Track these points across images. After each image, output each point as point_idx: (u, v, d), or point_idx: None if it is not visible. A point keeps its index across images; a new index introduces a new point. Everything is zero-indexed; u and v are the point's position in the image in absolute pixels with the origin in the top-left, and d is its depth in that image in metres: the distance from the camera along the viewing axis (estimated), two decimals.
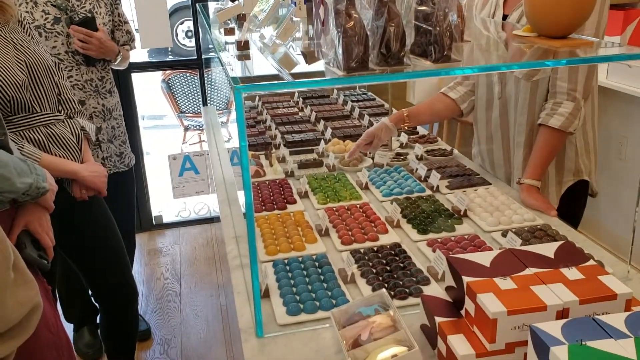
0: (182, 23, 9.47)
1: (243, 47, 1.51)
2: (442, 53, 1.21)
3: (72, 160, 1.86)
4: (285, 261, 1.50)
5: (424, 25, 1.22)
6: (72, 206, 1.92)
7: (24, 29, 1.85)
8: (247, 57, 1.45)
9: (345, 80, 1.26)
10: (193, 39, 9.55)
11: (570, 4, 1.30)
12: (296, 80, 1.14)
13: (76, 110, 1.96)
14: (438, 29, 1.20)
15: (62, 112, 1.90)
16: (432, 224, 1.65)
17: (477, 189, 1.89)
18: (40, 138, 1.79)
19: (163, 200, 4.13)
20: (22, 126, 1.76)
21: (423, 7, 1.23)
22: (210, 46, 3.83)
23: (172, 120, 5.61)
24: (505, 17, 1.87)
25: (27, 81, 1.74)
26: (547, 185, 1.90)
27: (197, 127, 4.89)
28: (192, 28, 9.70)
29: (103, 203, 2.09)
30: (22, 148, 1.69)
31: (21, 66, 1.74)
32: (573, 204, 1.90)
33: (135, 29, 2.95)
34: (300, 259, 1.50)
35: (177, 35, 9.56)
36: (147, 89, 5.45)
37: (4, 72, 1.67)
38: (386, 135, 2.09)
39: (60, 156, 1.83)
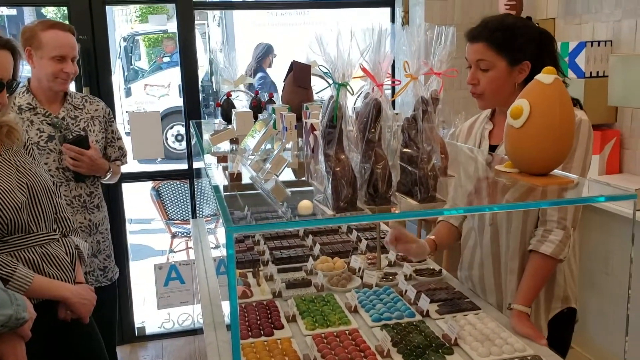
0: (171, 127, 9.75)
1: (236, 179, 1.55)
2: (427, 194, 1.25)
3: (64, 279, 1.85)
4: None
5: (409, 167, 1.27)
6: (60, 329, 1.88)
7: (26, 150, 1.91)
8: (240, 189, 1.49)
9: (334, 220, 1.29)
10: (183, 143, 9.78)
11: (550, 145, 1.36)
12: (288, 221, 1.16)
13: (71, 228, 1.98)
14: (422, 171, 1.24)
15: (58, 230, 1.92)
16: (423, 355, 1.62)
17: (466, 315, 1.88)
18: (34, 258, 1.79)
19: (146, 309, 4.04)
20: (18, 246, 1.76)
21: (408, 150, 1.29)
22: (200, 159, 3.91)
23: (159, 225, 5.61)
24: (491, 147, 1.94)
25: (26, 202, 1.77)
26: (537, 311, 1.89)
27: (185, 234, 4.88)
28: (181, 132, 9.92)
29: (92, 325, 2.05)
30: (15, 270, 1.69)
31: (22, 188, 1.77)
32: (561, 331, 1.89)
33: (127, 133, 3.02)
34: None
35: (167, 139, 9.79)
36: (136, 195, 5.49)
37: (5, 195, 1.70)
38: (419, 253, 2.09)
39: (53, 276, 1.83)
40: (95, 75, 3.54)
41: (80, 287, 1.92)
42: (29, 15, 10.71)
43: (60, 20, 2.89)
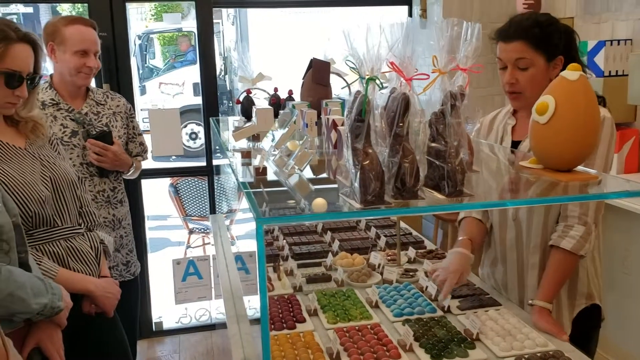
0: (185, 126, 9.80)
1: (261, 174, 1.57)
2: (455, 188, 1.26)
3: (89, 273, 1.87)
4: None
5: (437, 162, 1.28)
6: (85, 323, 1.90)
7: (51, 144, 1.93)
8: (266, 184, 1.51)
9: (362, 213, 1.30)
10: (197, 141, 9.83)
11: (575, 141, 1.36)
12: (316, 214, 1.18)
13: (96, 222, 2.00)
14: (450, 165, 1.25)
15: (83, 224, 1.94)
16: (446, 349, 1.63)
17: (487, 310, 1.89)
18: (59, 252, 1.81)
19: (164, 304, 4.08)
20: (43, 240, 1.79)
21: (435, 144, 1.30)
22: (219, 154, 3.94)
23: (176, 221, 5.65)
24: (514, 144, 1.94)
25: (50, 196, 1.79)
26: (559, 308, 1.90)
27: (202, 230, 4.92)
28: (195, 130, 9.96)
29: (116, 320, 2.07)
30: (40, 263, 1.71)
31: (46, 182, 1.79)
32: (586, 328, 1.89)
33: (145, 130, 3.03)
34: None
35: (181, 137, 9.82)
36: (154, 192, 5.53)
37: (28, 188, 1.73)
38: (469, 265, 2.01)
39: (78, 270, 1.84)
40: (115, 72, 3.58)
41: (105, 281, 1.94)
42: (44, 13, 10.82)
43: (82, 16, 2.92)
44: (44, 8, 10.79)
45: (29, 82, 1.73)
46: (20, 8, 10.64)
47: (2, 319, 1.42)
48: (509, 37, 1.85)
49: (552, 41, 1.82)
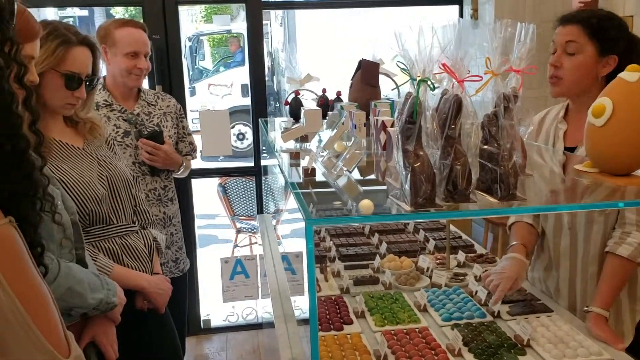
0: (233, 127, 9.92)
1: (310, 175, 1.58)
2: (508, 191, 1.24)
3: (143, 270, 1.92)
4: None
5: (489, 165, 1.26)
6: (137, 319, 1.95)
7: (108, 145, 2.00)
8: (314, 185, 1.51)
9: (413, 216, 1.29)
10: (244, 141, 9.94)
11: (633, 144, 1.32)
12: (365, 216, 1.18)
13: (150, 221, 2.05)
14: (503, 169, 1.23)
15: (137, 222, 1.99)
16: (495, 355, 1.61)
17: (539, 317, 1.85)
18: (114, 248, 1.87)
19: (211, 302, 4.15)
20: (99, 237, 1.85)
21: (488, 147, 1.28)
22: (267, 155, 3.98)
23: (223, 220, 5.73)
24: (567, 149, 1.89)
25: (106, 195, 1.85)
26: (619, 313, 1.84)
27: (249, 229, 4.98)
28: (242, 131, 10.06)
29: (167, 316, 2.12)
30: (96, 260, 1.77)
31: (102, 181, 1.85)
32: None
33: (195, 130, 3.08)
34: None
35: None
36: (203, 191, 5.64)
37: (86, 187, 1.79)
38: (525, 271, 1.96)
39: (132, 267, 1.90)
40: (167, 73, 3.66)
41: (157, 278, 1.99)
42: (99, 16, 11.15)
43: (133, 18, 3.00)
44: (98, 11, 11.13)
45: (87, 83, 1.79)
46: (76, 11, 11.02)
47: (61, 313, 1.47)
48: (567, 20, 1.83)
49: (607, 35, 1.77)
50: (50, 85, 1.70)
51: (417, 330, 1.79)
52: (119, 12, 10.66)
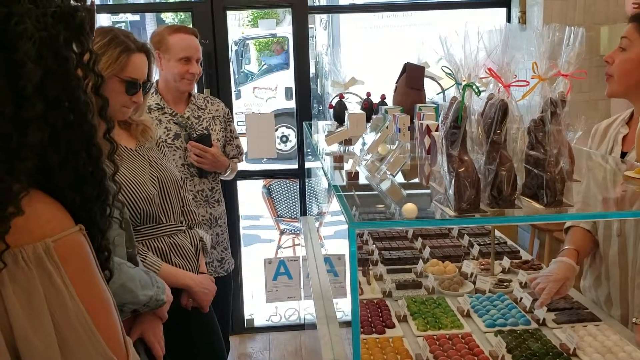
0: (276, 129, 10.01)
1: (353, 178, 1.59)
2: (554, 198, 1.22)
3: (189, 269, 1.98)
4: None
5: (535, 170, 1.25)
6: (182, 317, 2.00)
7: (158, 147, 2.06)
8: (358, 188, 1.53)
9: (457, 221, 1.29)
10: (287, 144, 10.02)
11: None
12: (411, 219, 1.18)
13: (196, 221, 2.11)
14: (549, 174, 1.22)
15: (184, 222, 2.05)
16: None
17: (586, 326, 1.81)
18: (163, 247, 1.93)
19: (254, 302, 4.20)
20: (149, 235, 1.91)
21: (534, 152, 1.26)
22: (311, 157, 4.01)
23: (267, 222, 5.79)
24: (624, 154, 1.85)
25: (157, 195, 1.91)
26: None
27: (292, 231, 5.02)
28: (286, 133, 10.14)
29: (211, 315, 2.16)
30: (145, 258, 1.83)
31: (154, 182, 1.92)
32: None
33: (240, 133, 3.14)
34: None
35: None
36: (248, 193, 5.72)
37: (139, 187, 1.85)
38: (573, 276, 1.91)
39: (179, 265, 1.95)
40: (215, 77, 3.74)
41: (203, 277, 2.03)
42: (150, 21, 11.44)
43: (184, 25, 3.07)
44: (149, 17, 11.41)
45: (142, 88, 1.86)
46: (129, 16, 11.32)
47: None
48: (634, 19, 1.81)
49: None
50: (111, 90, 1.77)
51: (459, 335, 1.78)
52: (169, 17, 10.90)
